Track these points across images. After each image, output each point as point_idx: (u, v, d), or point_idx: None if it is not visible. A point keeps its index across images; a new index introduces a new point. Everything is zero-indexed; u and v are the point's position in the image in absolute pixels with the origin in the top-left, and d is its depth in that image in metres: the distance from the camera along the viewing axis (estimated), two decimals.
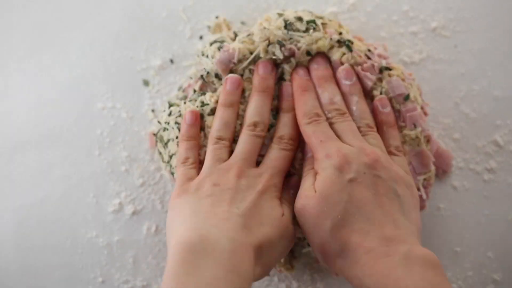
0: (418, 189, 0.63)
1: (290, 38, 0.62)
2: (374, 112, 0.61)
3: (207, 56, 0.64)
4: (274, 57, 0.61)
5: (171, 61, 0.71)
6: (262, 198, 0.54)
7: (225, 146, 0.58)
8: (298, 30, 0.62)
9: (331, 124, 0.58)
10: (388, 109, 0.60)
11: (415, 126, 0.62)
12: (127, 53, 0.71)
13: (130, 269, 0.67)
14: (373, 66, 0.62)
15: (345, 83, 0.60)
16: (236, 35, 0.66)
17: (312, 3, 0.69)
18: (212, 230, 0.49)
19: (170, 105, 0.65)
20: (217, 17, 0.70)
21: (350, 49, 0.62)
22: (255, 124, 0.59)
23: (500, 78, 0.69)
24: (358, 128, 0.58)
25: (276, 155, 0.58)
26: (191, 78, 0.67)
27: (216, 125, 0.59)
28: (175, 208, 0.54)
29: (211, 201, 0.53)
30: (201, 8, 0.71)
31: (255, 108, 0.59)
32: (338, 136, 0.57)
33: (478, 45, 0.70)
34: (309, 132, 0.57)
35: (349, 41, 0.62)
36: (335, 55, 0.62)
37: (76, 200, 0.68)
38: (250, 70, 0.62)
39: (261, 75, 0.60)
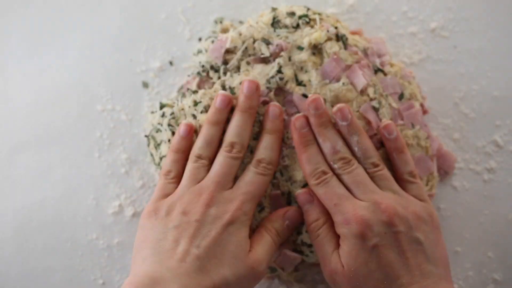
0: None
1: (278, 35, 0.62)
2: (382, 139, 0.60)
3: (201, 52, 0.65)
4: (262, 55, 0.62)
5: (171, 63, 0.70)
6: (228, 231, 0.54)
7: (203, 165, 0.58)
8: (286, 27, 0.62)
9: (339, 176, 0.56)
10: (395, 134, 0.58)
11: (413, 125, 0.62)
12: (126, 55, 0.71)
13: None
14: (368, 65, 0.62)
15: (343, 124, 0.58)
16: None
17: (311, 5, 0.69)
18: (166, 275, 0.50)
19: (162, 106, 0.65)
20: (221, 22, 0.70)
21: (345, 46, 0.62)
22: (232, 145, 0.58)
23: (500, 78, 0.69)
24: (365, 169, 0.57)
25: (251, 179, 0.57)
26: (188, 76, 0.67)
27: (198, 143, 0.59)
28: (143, 230, 0.55)
29: (175, 235, 0.53)
30: (200, 10, 0.71)
31: (235, 127, 0.59)
32: (350, 190, 0.56)
33: (477, 45, 0.70)
34: (320, 194, 0.56)
35: (344, 35, 0.62)
36: (333, 48, 0.62)
37: (76, 202, 0.68)
38: (248, 62, 0.62)
39: (245, 93, 0.59)
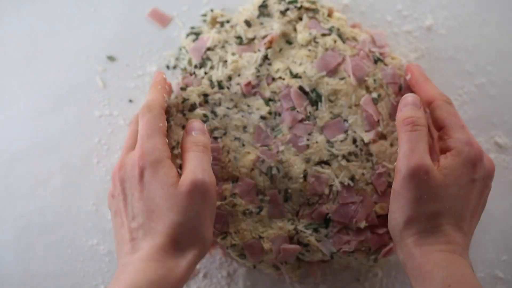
0: None
1: (261, 23, 0.63)
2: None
3: (181, 50, 0.66)
4: (246, 41, 0.63)
5: (167, 67, 0.71)
6: (145, 180, 0.52)
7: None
8: (269, 16, 0.63)
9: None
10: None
11: None
12: (123, 60, 0.71)
13: None
14: (368, 56, 0.62)
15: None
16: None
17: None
18: (126, 267, 0.51)
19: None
20: (212, 10, 0.70)
21: (342, 39, 0.62)
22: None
23: (496, 75, 0.69)
24: None
25: (141, 125, 0.56)
26: (177, 78, 0.67)
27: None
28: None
29: (118, 221, 0.54)
30: (195, 13, 0.71)
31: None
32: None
33: (472, 42, 0.70)
34: (452, 111, 0.57)
35: (338, 29, 0.63)
36: (328, 43, 0.62)
37: (76, 208, 0.68)
38: (233, 53, 0.63)
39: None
